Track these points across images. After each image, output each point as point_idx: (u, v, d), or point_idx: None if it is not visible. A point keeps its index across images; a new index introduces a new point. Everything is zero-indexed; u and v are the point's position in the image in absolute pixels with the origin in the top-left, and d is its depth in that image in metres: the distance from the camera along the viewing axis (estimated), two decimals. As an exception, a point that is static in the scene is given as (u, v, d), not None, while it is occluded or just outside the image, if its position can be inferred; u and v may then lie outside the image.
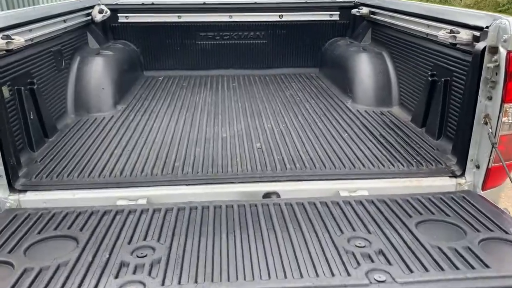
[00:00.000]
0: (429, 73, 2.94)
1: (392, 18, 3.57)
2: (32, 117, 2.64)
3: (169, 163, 2.50)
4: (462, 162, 2.34)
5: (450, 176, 2.33)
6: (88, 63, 3.51)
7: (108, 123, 3.13)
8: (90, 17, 3.95)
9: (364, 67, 3.67)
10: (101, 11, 4.02)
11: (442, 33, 2.53)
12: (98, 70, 3.51)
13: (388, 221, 1.93)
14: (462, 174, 2.32)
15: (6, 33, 2.38)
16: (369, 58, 3.71)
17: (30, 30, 2.78)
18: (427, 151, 2.62)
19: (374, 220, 1.93)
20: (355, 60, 3.76)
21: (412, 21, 3.19)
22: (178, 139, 2.83)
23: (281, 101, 3.67)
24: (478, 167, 2.25)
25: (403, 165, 2.43)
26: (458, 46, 2.50)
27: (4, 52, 2.36)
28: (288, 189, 2.27)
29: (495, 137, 2.12)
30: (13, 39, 2.37)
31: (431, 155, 2.56)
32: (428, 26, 2.96)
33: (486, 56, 2.11)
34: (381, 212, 2.00)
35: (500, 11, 14.50)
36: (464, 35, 2.37)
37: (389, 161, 2.49)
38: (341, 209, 2.04)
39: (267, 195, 2.23)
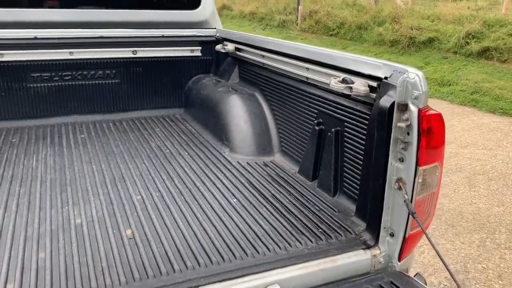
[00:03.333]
0: (315, 121, 2.67)
1: (263, 58, 3.26)
2: None
3: None
4: (374, 230, 2.06)
5: (364, 249, 2.02)
6: None
7: None
8: None
9: (238, 111, 3.28)
10: None
11: (335, 82, 2.25)
12: None
13: None
14: (376, 244, 2.05)
15: None
16: (242, 100, 3.33)
17: None
18: (328, 214, 2.31)
19: None
20: (227, 103, 3.35)
21: (288, 62, 2.91)
22: (10, 238, 2.01)
23: (148, 157, 3.04)
24: (392, 235, 2.00)
25: (311, 241, 2.06)
26: (352, 96, 2.25)
27: None
28: None
29: (412, 201, 1.88)
30: None
31: (334, 220, 2.25)
32: (308, 69, 2.70)
33: (396, 114, 1.86)
34: None
35: (331, 35, 15.96)
36: (361, 86, 2.12)
37: (294, 236, 2.09)
38: None
39: None
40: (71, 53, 3.61)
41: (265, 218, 2.25)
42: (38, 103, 3.64)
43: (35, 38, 3.44)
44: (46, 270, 1.79)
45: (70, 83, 3.70)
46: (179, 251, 1.94)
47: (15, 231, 2.07)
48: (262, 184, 2.65)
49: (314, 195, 2.52)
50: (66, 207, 2.31)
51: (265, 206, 2.37)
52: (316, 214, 2.31)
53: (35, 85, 3.59)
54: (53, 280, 1.73)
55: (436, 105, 5.04)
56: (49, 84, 3.63)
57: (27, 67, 3.51)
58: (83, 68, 3.70)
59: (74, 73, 3.69)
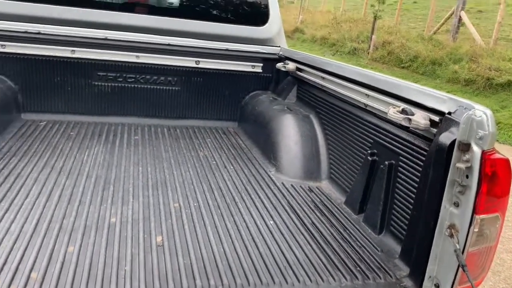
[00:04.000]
0: (368, 151, 2.52)
1: (323, 80, 3.16)
2: None
3: (21, 272, 1.70)
4: (417, 278, 1.87)
5: None
6: None
7: None
8: None
9: (290, 131, 3.19)
10: (-36, 36, 3.11)
11: (393, 112, 2.10)
12: None
13: None
14: None
15: None
16: (295, 120, 3.24)
17: None
18: (370, 252, 2.13)
19: None
20: (280, 122, 3.27)
21: (347, 87, 2.79)
22: (45, 227, 2.03)
23: (193, 165, 3.02)
24: (437, 286, 1.79)
25: (345, 278, 1.90)
26: (410, 129, 2.09)
27: None
28: None
29: (463, 253, 1.68)
30: None
31: (375, 259, 2.07)
32: (367, 96, 2.56)
33: (455, 153, 1.69)
34: None
35: (402, 67, 15.51)
36: (421, 119, 1.95)
37: (328, 270, 1.94)
38: None
39: None
40: (137, 56, 3.72)
41: (300, 246, 2.12)
42: (100, 101, 3.77)
43: (106, 38, 3.59)
44: (71, 265, 1.78)
45: (132, 85, 3.80)
46: (204, 267, 1.86)
47: (52, 221, 2.10)
48: (303, 210, 2.52)
49: (358, 230, 2.35)
50: (105, 205, 2.32)
51: (302, 234, 2.24)
52: (357, 251, 2.14)
53: (99, 83, 3.72)
54: (75, 277, 1.71)
55: (508, 152, 4.65)
56: (113, 84, 3.76)
57: (95, 66, 3.66)
58: (146, 72, 3.79)
59: (137, 76, 3.79)
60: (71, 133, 3.40)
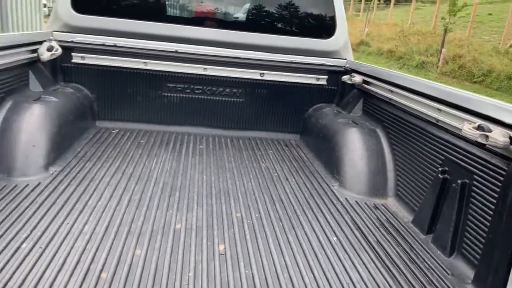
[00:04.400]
0: (439, 169, 2.39)
1: (391, 93, 3.06)
2: None
3: (93, 272, 1.79)
4: None
5: None
6: (20, 111, 2.80)
7: (29, 194, 2.40)
8: (35, 54, 3.28)
9: (355, 145, 3.11)
10: (50, 49, 3.37)
11: (468, 128, 1.98)
12: (32, 120, 2.81)
13: None
14: None
15: None
16: (361, 134, 3.16)
17: None
18: (440, 275, 2.01)
19: None
20: (345, 135, 3.21)
21: (418, 100, 2.68)
22: (115, 230, 2.13)
23: (255, 176, 3.04)
24: (516, 318, 1.65)
25: None
26: (487, 146, 1.96)
27: None
28: None
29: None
30: None
31: (445, 283, 1.95)
32: (440, 111, 2.45)
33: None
34: None
35: (474, 82, 14.72)
36: (500, 136, 1.83)
37: None
38: None
39: None
40: (205, 69, 3.83)
41: (364, 264, 2.05)
42: (168, 111, 3.92)
43: (176, 51, 3.73)
44: (138, 268, 1.84)
45: (199, 96, 3.92)
46: (266, 279, 1.85)
47: (121, 224, 2.19)
48: (368, 227, 2.44)
49: (426, 251, 2.24)
50: (170, 211, 2.39)
51: (367, 252, 2.17)
52: (425, 273, 2.03)
53: (169, 94, 3.87)
54: (142, 280, 1.77)
55: None
56: (181, 95, 3.89)
57: (165, 77, 3.81)
58: (213, 84, 3.89)
59: (204, 87, 3.90)
60: (141, 141, 3.56)
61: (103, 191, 2.54)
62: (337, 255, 2.10)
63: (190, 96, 3.92)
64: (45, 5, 19.14)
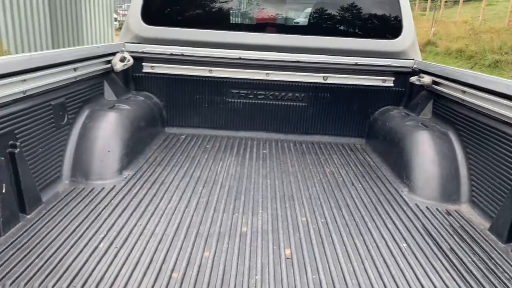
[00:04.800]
0: None
1: (464, 94, 2.91)
2: (4, 191, 2.08)
3: (164, 272, 1.85)
4: None
5: None
6: (96, 118, 2.99)
7: (105, 197, 2.55)
8: (109, 65, 3.49)
9: (426, 149, 2.98)
10: (123, 59, 3.56)
11: None
12: (107, 128, 2.99)
13: None
14: None
15: None
16: (431, 138, 3.03)
17: (23, 81, 2.29)
18: (523, 288, 1.87)
19: None
20: (414, 139, 3.08)
21: (493, 101, 2.53)
22: (184, 232, 2.20)
23: (320, 181, 3.01)
24: None
25: None
26: None
27: None
28: None
29: None
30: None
31: None
32: None
33: None
34: None
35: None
36: None
37: None
38: None
39: None
40: (267, 74, 3.86)
41: (437, 273, 1.95)
42: (232, 116, 4.00)
43: (239, 58, 3.80)
44: (207, 269, 1.89)
45: (262, 101, 3.96)
46: (333, 284, 1.82)
47: (190, 226, 2.26)
48: (440, 234, 2.32)
49: (506, 261, 2.09)
50: (236, 214, 2.43)
51: (440, 260, 2.07)
52: (505, 284, 1.90)
53: (232, 100, 3.95)
54: (211, 281, 1.81)
55: None
56: (244, 101, 3.96)
57: (229, 84, 3.89)
58: (275, 89, 3.92)
59: (267, 93, 3.94)
60: (207, 146, 3.65)
61: (172, 194, 2.64)
62: (408, 262, 2.02)
63: (253, 101, 3.97)
64: (116, 19, 20.36)
